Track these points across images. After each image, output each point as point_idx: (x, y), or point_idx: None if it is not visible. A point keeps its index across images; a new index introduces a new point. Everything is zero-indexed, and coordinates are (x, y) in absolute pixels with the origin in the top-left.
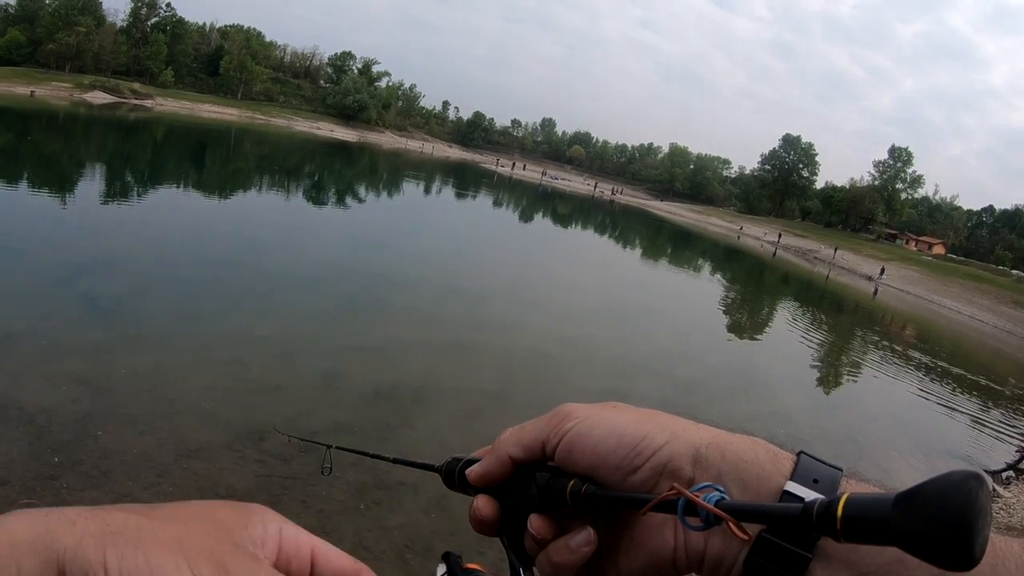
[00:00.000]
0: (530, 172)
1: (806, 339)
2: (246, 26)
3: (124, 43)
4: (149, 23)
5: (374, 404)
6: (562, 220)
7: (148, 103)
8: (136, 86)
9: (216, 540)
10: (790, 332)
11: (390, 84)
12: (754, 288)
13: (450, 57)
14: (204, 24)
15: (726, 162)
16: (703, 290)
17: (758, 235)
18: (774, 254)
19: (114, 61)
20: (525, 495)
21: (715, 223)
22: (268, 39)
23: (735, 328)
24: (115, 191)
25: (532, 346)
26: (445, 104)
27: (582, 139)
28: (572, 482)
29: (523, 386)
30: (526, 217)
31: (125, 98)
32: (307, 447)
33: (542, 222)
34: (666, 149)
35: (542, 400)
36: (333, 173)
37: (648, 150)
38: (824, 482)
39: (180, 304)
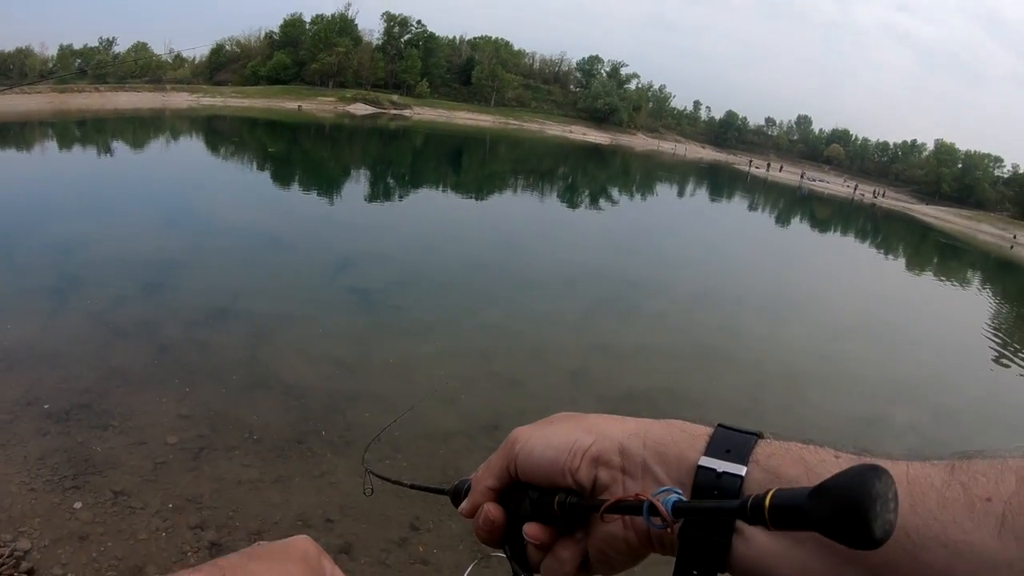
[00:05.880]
0: (786, 173)
1: None
2: (494, 36)
3: (381, 59)
4: (403, 40)
5: (616, 408)
6: (820, 225)
7: (407, 112)
8: (395, 97)
9: None
10: None
11: (640, 86)
12: None
13: (699, 57)
14: (454, 37)
15: (998, 160)
16: (968, 308)
17: None
18: None
19: (372, 76)
20: (521, 509)
21: (985, 230)
22: (516, 48)
23: (1002, 354)
24: (379, 192)
25: (786, 360)
26: (696, 104)
27: (840, 137)
28: (559, 495)
29: (775, 402)
30: (783, 221)
31: (385, 109)
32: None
33: (799, 227)
34: (931, 146)
35: (792, 419)
36: (586, 175)
37: (911, 148)
38: (736, 451)
39: (435, 298)
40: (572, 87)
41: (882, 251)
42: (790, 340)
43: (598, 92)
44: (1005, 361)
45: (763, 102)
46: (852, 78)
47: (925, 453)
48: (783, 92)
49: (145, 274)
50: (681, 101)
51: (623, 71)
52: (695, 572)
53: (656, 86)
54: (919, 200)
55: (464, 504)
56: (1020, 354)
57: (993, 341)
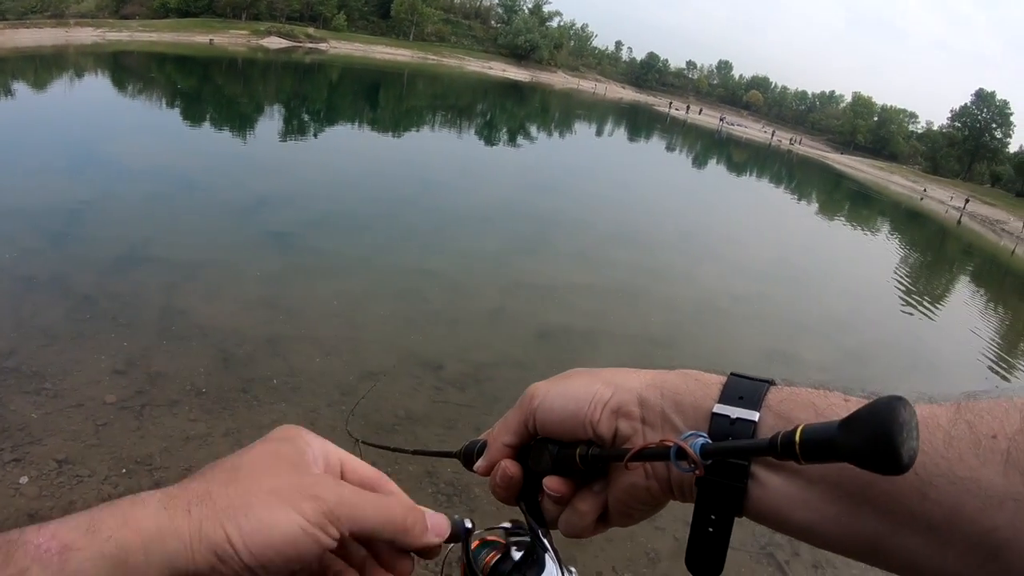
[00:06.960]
0: (705, 117)
1: (982, 319)
2: None
3: None
4: None
5: (543, 342)
6: (737, 168)
7: (323, 46)
8: (311, 30)
9: (296, 477)
10: (965, 310)
11: (561, 24)
12: (933, 258)
13: None
14: None
15: (913, 116)
16: (878, 254)
17: (943, 199)
18: (959, 222)
19: (288, 8)
20: (540, 463)
21: (897, 182)
22: None
23: (907, 299)
24: (294, 130)
25: (701, 298)
26: (618, 44)
27: (760, 84)
28: (579, 447)
29: (691, 338)
30: (700, 163)
31: (300, 42)
32: (483, 377)
33: (716, 169)
34: (848, 98)
35: (709, 353)
36: (505, 112)
37: (829, 98)
38: (748, 398)
39: (362, 238)
40: (493, 23)
41: (797, 196)
42: (706, 279)
43: (519, 29)
44: (912, 304)
45: (685, 45)
46: (775, 26)
47: (932, 395)
48: (705, 36)
49: (60, 223)
50: (603, 41)
51: (545, 8)
52: (713, 517)
53: (578, 25)
54: (834, 149)
55: (480, 462)
56: (926, 299)
57: (898, 286)
